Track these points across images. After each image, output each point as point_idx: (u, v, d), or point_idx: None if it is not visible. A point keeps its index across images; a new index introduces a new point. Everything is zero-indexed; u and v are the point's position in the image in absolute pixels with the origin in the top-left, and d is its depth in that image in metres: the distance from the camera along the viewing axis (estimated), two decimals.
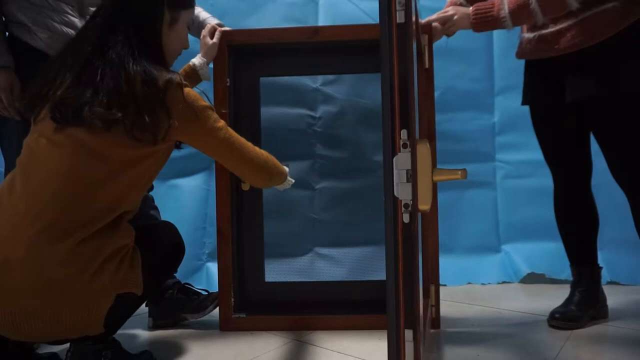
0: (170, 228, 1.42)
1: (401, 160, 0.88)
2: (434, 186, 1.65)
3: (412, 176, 0.88)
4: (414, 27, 1.01)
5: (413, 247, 0.90)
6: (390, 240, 0.88)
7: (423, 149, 0.95)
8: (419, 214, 1.03)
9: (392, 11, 0.90)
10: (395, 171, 0.88)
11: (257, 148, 1.41)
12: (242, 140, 1.37)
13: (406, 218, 0.89)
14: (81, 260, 1.13)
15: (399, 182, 0.88)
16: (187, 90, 1.24)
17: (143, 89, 1.16)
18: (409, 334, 0.91)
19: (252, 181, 1.47)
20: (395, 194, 0.88)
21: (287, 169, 1.54)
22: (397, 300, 0.89)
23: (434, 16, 1.67)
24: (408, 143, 0.88)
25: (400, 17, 0.90)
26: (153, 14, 1.28)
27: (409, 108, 0.90)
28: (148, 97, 1.16)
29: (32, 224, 1.12)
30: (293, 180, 1.58)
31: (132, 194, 1.24)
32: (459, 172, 1.02)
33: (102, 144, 1.16)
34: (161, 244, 1.35)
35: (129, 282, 1.20)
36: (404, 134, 0.88)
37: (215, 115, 1.31)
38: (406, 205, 0.89)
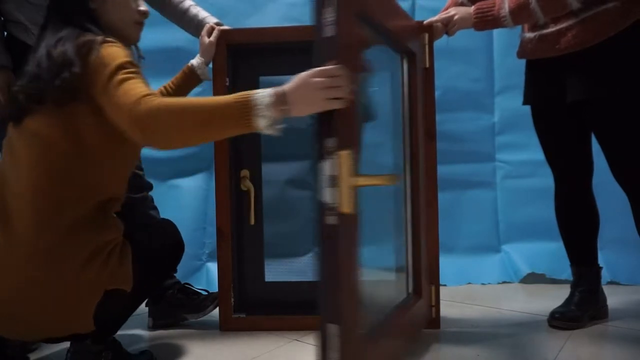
0: (169, 226, 1.40)
1: (326, 167, 0.95)
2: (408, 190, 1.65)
3: (335, 182, 0.95)
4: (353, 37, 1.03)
5: (338, 247, 0.96)
6: (319, 240, 0.97)
7: (345, 157, 0.95)
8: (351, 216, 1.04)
9: (321, 24, 0.95)
10: (322, 177, 0.96)
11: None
12: (136, 89, 1.06)
13: (330, 220, 0.95)
14: (64, 254, 1.12)
15: (324, 187, 0.95)
16: (107, 46, 1.15)
17: (61, 57, 1.14)
18: (334, 328, 0.95)
19: (131, 134, 1.08)
20: (320, 197, 0.96)
21: (256, 97, 0.99)
22: (325, 296, 0.97)
23: (435, 17, 1.68)
24: (332, 151, 0.95)
25: (330, 32, 0.94)
26: None
27: (334, 117, 0.96)
28: (64, 62, 1.13)
29: (7, 223, 1.14)
30: (267, 122, 0.99)
31: (97, 170, 1.19)
32: (384, 178, 1.02)
33: (45, 126, 1.15)
34: (160, 242, 1.33)
35: (117, 278, 1.18)
36: (329, 142, 0.95)
37: (121, 68, 1.11)
38: (330, 209, 0.95)
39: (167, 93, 1.66)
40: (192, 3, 1.83)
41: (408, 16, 1.60)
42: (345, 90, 0.97)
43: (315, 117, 0.95)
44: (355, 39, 1.05)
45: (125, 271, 1.20)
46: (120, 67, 1.11)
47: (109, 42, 1.17)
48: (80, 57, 1.13)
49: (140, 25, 1.37)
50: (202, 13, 1.81)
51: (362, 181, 1.00)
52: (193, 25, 1.80)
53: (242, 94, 1.00)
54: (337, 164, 0.95)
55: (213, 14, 1.87)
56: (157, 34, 2.26)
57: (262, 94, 0.99)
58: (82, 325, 1.17)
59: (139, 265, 1.22)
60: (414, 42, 1.59)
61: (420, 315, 1.60)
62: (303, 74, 0.99)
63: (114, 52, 1.15)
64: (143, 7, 1.36)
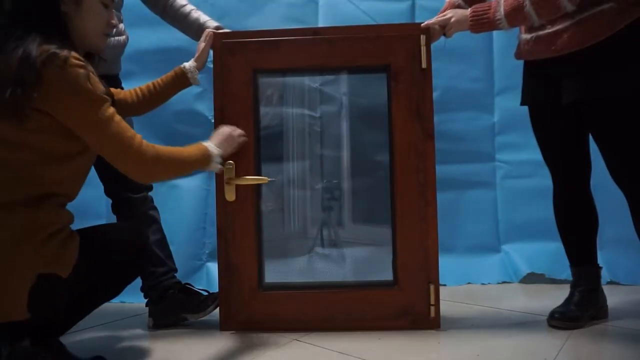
0: (135, 229, 1.42)
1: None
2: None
3: (222, 182, 1.70)
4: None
5: (227, 219, 1.71)
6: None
7: (228, 166, 1.65)
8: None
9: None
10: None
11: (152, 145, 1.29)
12: (128, 134, 1.24)
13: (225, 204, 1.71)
14: None
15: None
16: (73, 67, 1.16)
17: (18, 67, 1.12)
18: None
19: (131, 176, 1.29)
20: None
21: (212, 151, 1.44)
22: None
23: (432, 20, 1.69)
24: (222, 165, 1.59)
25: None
26: None
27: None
28: (20, 74, 1.11)
29: None
30: (219, 167, 1.50)
31: (40, 173, 1.19)
32: (257, 179, 1.66)
33: None
34: (120, 242, 1.32)
35: (52, 262, 1.16)
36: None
37: (102, 106, 1.21)
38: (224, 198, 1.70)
39: (154, 89, 1.66)
40: (193, 7, 1.83)
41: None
42: (242, 134, 1.64)
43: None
44: (245, 92, 1.71)
45: (64, 257, 1.18)
46: (103, 101, 1.22)
47: (74, 58, 1.17)
48: (38, 70, 1.12)
49: (107, 37, 1.39)
50: (203, 17, 1.81)
51: (242, 182, 1.68)
52: (194, 30, 1.80)
53: (203, 149, 1.44)
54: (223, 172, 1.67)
55: (213, 14, 1.88)
56: (157, 34, 2.27)
57: (213, 148, 1.47)
58: (14, 311, 1.14)
59: (89, 263, 1.21)
60: (390, 54, 1.68)
61: (389, 303, 1.67)
62: (222, 131, 1.58)
63: (83, 76, 1.17)
64: (114, 20, 1.38)
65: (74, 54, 1.18)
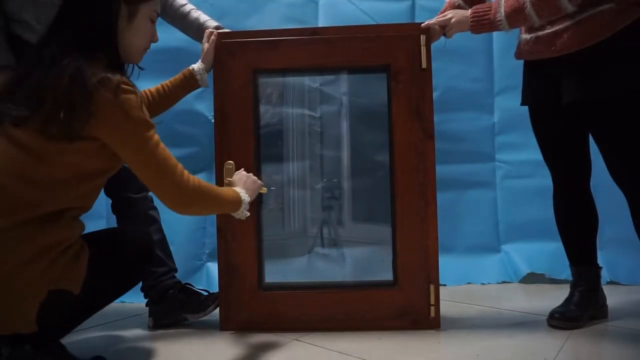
0: (139, 236, 1.41)
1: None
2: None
3: (222, 183, 1.62)
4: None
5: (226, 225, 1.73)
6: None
7: (228, 166, 1.67)
8: None
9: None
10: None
11: (194, 178, 1.28)
12: (171, 162, 1.24)
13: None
14: (7, 248, 1.10)
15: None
16: (125, 93, 1.15)
17: (69, 85, 1.10)
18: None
19: (168, 204, 1.26)
20: None
21: (244, 197, 1.41)
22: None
23: (432, 20, 1.69)
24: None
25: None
26: (107, 9, 1.21)
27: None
28: (71, 93, 1.10)
29: None
30: (248, 214, 1.44)
31: (65, 190, 1.18)
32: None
33: (29, 138, 1.13)
34: (123, 251, 1.32)
35: (64, 278, 1.15)
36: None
37: (150, 132, 1.21)
38: None
39: (163, 92, 1.66)
40: (192, 7, 1.84)
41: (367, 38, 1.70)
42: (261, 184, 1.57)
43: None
44: (245, 92, 1.72)
45: (76, 273, 1.17)
46: (152, 127, 1.22)
47: (125, 84, 1.16)
48: (89, 93, 1.11)
49: (145, 52, 1.38)
50: (203, 17, 1.81)
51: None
52: (193, 29, 1.80)
53: (238, 195, 1.41)
54: (222, 170, 1.68)
55: (213, 14, 1.88)
56: (157, 34, 2.26)
57: (245, 196, 1.42)
58: (23, 324, 1.14)
59: (96, 271, 1.21)
60: (390, 54, 1.69)
61: (389, 303, 1.68)
62: (245, 178, 1.50)
63: (134, 103, 1.16)
64: (157, 36, 1.38)
65: (124, 79, 1.17)
